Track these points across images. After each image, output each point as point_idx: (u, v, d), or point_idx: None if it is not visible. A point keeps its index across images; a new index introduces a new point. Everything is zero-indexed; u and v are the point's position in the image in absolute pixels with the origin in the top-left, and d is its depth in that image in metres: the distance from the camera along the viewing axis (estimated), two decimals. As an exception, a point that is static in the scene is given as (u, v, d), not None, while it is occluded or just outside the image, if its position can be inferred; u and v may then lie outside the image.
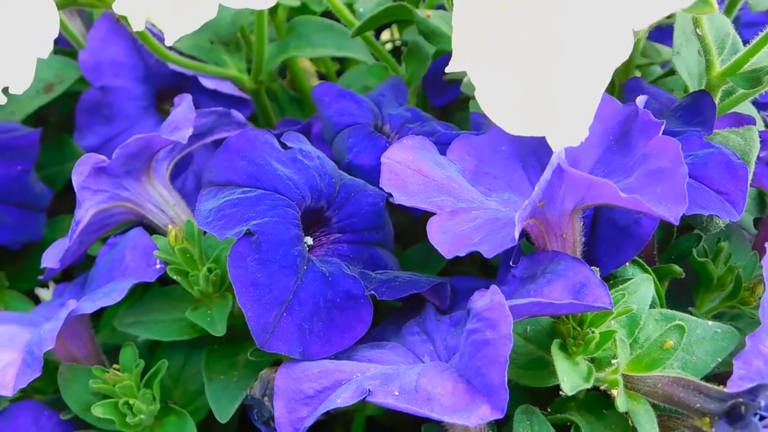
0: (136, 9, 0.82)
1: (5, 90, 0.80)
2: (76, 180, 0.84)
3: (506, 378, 0.59)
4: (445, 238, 0.68)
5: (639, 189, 0.67)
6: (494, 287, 0.63)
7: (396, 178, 0.74)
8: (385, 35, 1.37)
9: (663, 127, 0.69)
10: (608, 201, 0.66)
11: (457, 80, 1.09)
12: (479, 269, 1.08)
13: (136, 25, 0.83)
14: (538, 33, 0.59)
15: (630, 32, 0.56)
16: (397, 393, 0.62)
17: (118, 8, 0.83)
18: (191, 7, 0.78)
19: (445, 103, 1.19)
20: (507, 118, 0.60)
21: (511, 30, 0.60)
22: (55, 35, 0.80)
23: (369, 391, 0.63)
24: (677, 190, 0.65)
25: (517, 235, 0.63)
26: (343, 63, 1.27)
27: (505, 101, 0.60)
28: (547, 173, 0.63)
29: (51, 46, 0.80)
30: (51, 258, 0.87)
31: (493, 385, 0.59)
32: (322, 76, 1.26)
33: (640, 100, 0.72)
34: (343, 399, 0.64)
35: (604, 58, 0.57)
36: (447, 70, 0.62)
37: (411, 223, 1.02)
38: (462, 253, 0.66)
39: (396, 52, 1.26)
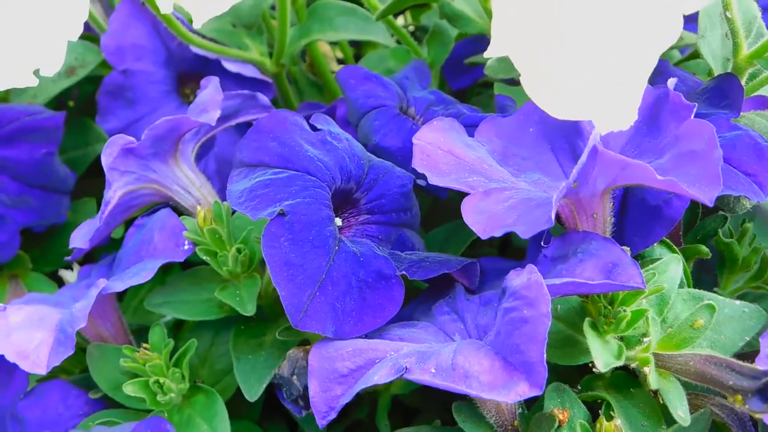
0: (164, -8, 0.82)
1: (36, 72, 0.81)
2: (105, 161, 0.84)
3: (545, 356, 0.60)
4: (480, 218, 0.69)
5: (671, 170, 0.68)
6: (531, 266, 0.64)
7: (428, 159, 0.74)
8: (399, 21, 1.37)
9: (695, 110, 0.70)
10: (642, 182, 0.67)
11: (476, 64, 1.10)
12: (498, 251, 1.09)
13: (164, 8, 0.83)
14: (583, 15, 0.59)
15: (679, 16, 0.57)
16: (433, 371, 0.63)
17: (145, -9, 0.83)
18: (220, -11, 0.79)
19: (463, 87, 1.20)
20: (553, 103, 0.61)
21: (557, 13, 0.60)
22: (85, 17, 0.80)
23: (406, 368, 0.64)
24: (712, 173, 0.66)
25: (553, 216, 0.64)
26: (360, 48, 1.27)
27: (550, 85, 0.60)
28: (584, 156, 0.63)
29: (81, 29, 0.80)
30: (80, 239, 0.88)
31: (531, 362, 0.60)
32: (340, 61, 1.27)
33: (671, 82, 0.73)
34: (380, 376, 0.64)
35: (652, 42, 0.57)
36: (485, 55, 0.62)
37: (434, 205, 1.03)
38: (497, 233, 0.67)
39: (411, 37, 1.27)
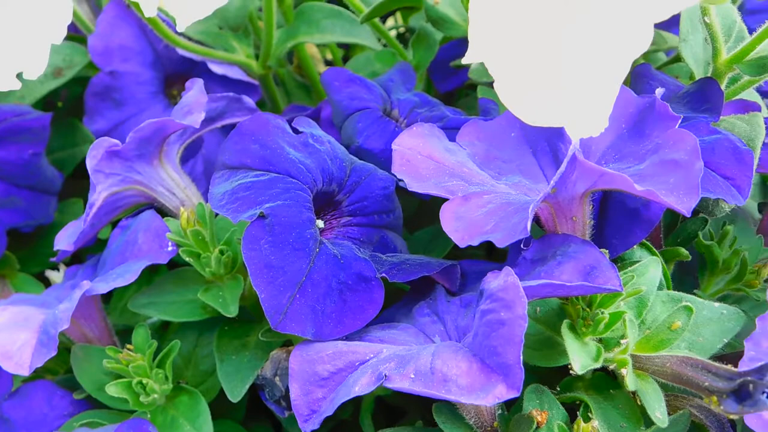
0: (149, -5, 0.82)
1: (19, 75, 0.81)
2: (90, 163, 0.85)
3: (521, 357, 0.60)
4: (458, 225, 0.69)
5: (651, 177, 0.69)
6: (508, 269, 0.64)
7: (408, 164, 0.75)
8: (389, 22, 1.38)
9: (680, 121, 0.70)
10: (621, 188, 0.67)
11: (462, 66, 1.10)
12: (484, 251, 1.09)
13: (149, 12, 0.83)
14: (557, 23, 0.59)
15: (650, 24, 0.57)
16: (413, 376, 0.63)
17: (131, -6, 0.84)
18: (204, -8, 0.79)
19: (450, 89, 1.20)
20: (525, 108, 0.61)
21: (530, 21, 0.60)
22: (69, 21, 0.80)
23: (385, 376, 0.64)
24: (691, 183, 0.66)
25: (529, 226, 0.65)
26: (349, 50, 1.28)
27: (524, 92, 0.61)
28: (564, 165, 0.64)
29: (65, 32, 0.81)
30: (64, 240, 0.88)
31: (508, 364, 0.60)
32: (328, 63, 1.27)
33: (659, 92, 0.73)
34: (360, 386, 0.65)
35: (624, 50, 0.58)
36: (463, 61, 0.63)
37: (418, 207, 1.03)
38: (475, 242, 0.68)
39: (400, 38, 1.27)
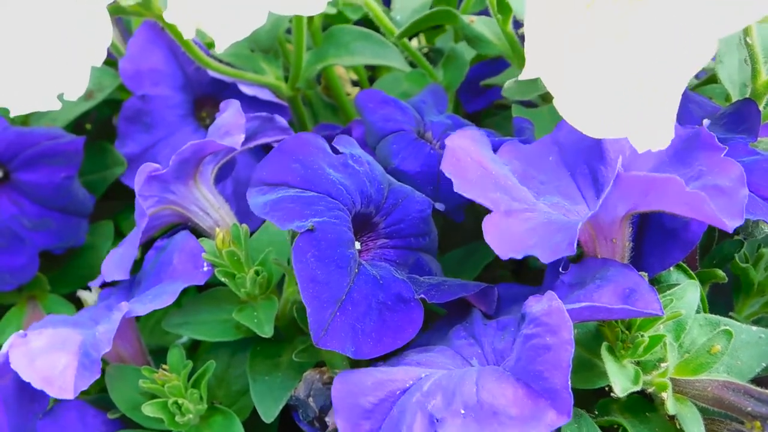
0: (187, 18, 0.83)
1: (59, 96, 0.82)
2: (136, 188, 0.85)
3: (569, 382, 0.60)
4: (501, 238, 0.69)
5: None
6: (551, 293, 0.65)
7: (458, 164, 0.75)
8: (413, 43, 1.39)
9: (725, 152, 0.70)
10: (666, 201, 0.66)
11: (492, 86, 1.11)
12: (512, 273, 1.09)
13: (187, 34, 0.84)
14: (619, 37, 0.60)
15: (714, 39, 0.57)
16: (463, 411, 0.63)
17: (168, 17, 0.84)
18: (241, 14, 0.80)
19: (478, 109, 1.21)
20: (588, 122, 0.61)
21: (591, 35, 0.61)
22: (109, 44, 0.81)
23: (437, 420, 0.63)
24: (736, 209, 0.66)
25: (575, 244, 0.65)
26: (375, 70, 1.28)
27: (585, 106, 0.61)
28: (610, 183, 0.64)
29: (104, 55, 0.82)
30: (116, 270, 0.88)
31: (556, 389, 0.60)
32: (354, 83, 1.28)
33: (706, 123, 0.74)
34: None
35: (686, 63, 0.58)
36: (520, 77, 0.63)
37: (445, 227, 1.04)
38: (518, 256, 0.68)
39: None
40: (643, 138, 0.62)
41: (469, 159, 0.76)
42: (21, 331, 0.84)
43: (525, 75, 0.63)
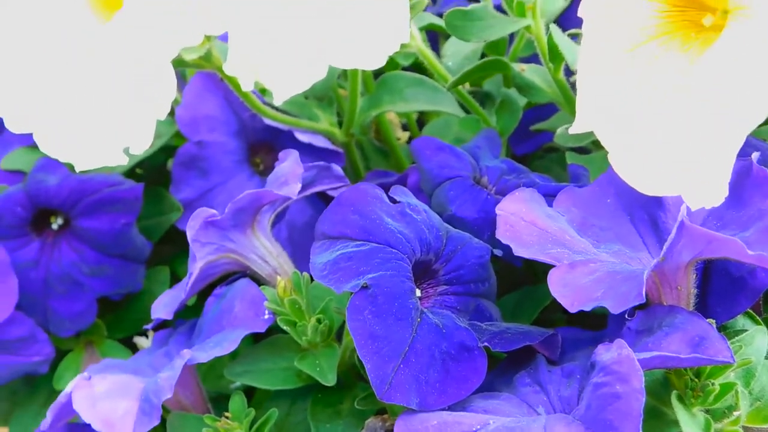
0: (247, 70, 0.85)
1: (125, 149, 0.84)
2: (190, 234, 0.86)
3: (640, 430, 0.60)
4: (567, 291, 0.69)
5: (756, 243, 0.68)
6: (621, 341, 0.65)
7: (512, 230, 0.76)
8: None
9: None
10: (731, 255, 0.67)
11: (541, 130, 1.11)
12: (567, 317, 1.09)
13: (246, 86, 0.86)
14: (672, 95, 0.60)
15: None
16: None
17: (228, 70, 0.86)
18: (301, 68, 0.81)
19: (527, 152, 1.21)
20: (641, 178, 0.62)
21: (645, 89, 0.61)
22: (173, 97, 0.83)
23: None
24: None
25: (644, 292, 0.65)
26: (424, 113, 1.29)
27: (639, 162, 0.61)
28: (674, 231, 0.64)
29: (168, 108, 0.83)
30: (162, 309, 0.90)
31: (627, 438, 0.60)
32: (404, 127, 1.29)
33: (755, 156, 0.74)
34: None
35: (741, 120, 0.58)
36: (571, 131, 0.63)
37: (504, 272, 1.04)
38: (586, 308, 0.68)
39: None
40: (696, 196, 0.62)
41: (522, 222, 0.76)
42: (85, 374, 0.86)
43: (575, 129, 0.63)
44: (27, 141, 1.05)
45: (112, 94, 0.82)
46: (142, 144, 0.82)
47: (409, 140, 1.21)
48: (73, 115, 0.84)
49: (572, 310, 0.68)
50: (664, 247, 0.65)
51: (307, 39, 0.81)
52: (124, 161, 0.81)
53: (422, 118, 1.28)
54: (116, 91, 0.82)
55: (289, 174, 0.87)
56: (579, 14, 0.71)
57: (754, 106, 0.58)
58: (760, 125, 0.99)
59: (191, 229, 0.86)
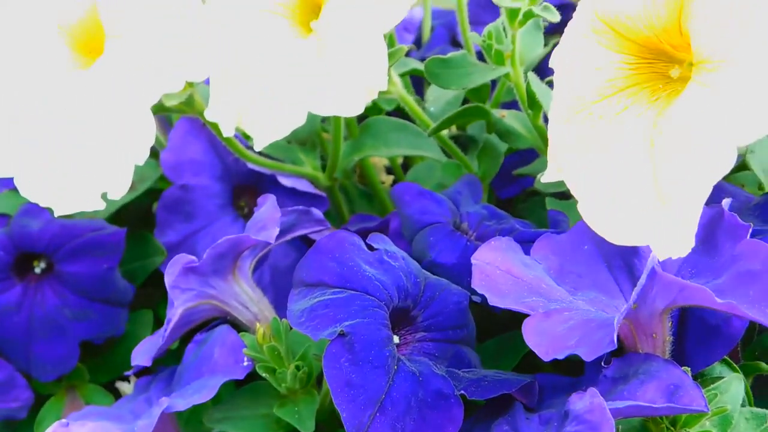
0: (228, 117, 0.86)
1: (103, 194, 0.84)
2: (168, 280, 0.87)
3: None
4: (542, 340, 0.69)
5: (729, 291, 0.69)
6: (593, 390, 0.65)
7: (487, 279, 0.76)
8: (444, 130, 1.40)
9: (750, 230, 0.71)
10: (702, 303, 0.68)
11: (523, 175, 1.12)
12: (551, 362, 1.08)
13: (227, 132, 0.87)
14: (639, 147, 0.61)
15: (734, 147, 0.58)
16: None
17: (209, 116, 0.87)
18: (282, 115, 0.82)
19: (510, 196, 1.22)
20: (610, 228, 0.62)
21: (610, 139, 0.62)
22: (152, 143, 0.84)
23: None
24: (769, 294, 0.66)
25: (615, 339, 0.65)
26: (408, 157, 1.30)
27: (607, 213, 0.62)
28: (643, 279, 0.64)
29: (147, 153, 0.84)
30: (141, 356, 0.90)
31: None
32: (388, 170, 1.29)
33: (725, 202, 0.74)
34: None
35: (707, 172, 0.59)
36: (542, 180, 0.64)
37: (484, 318, 1.03)
38: (560, 356, 0.68)
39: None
40: (663, 246, 0.63)
41: (498, 272, 0.76)
42: (64, 420, 0.85)
43: (547, 177, 0.64)
44: (12, 185, 1.06)
45: (91, 140, 0.82)
46: (120, 189, 0.82)
47: (393, 183, 1.21)
48: (52, 160, 0.84)
49: (546, 359, 0.69)
50: (633, 293, 0.66)
51: (287, 87, 0.82)
52: (102, 206, 0.82)
53: (407, 162, 1.28)
54: (94, 136, 0.82)
55: (267, 219, 0.87)
56: (550, 65, 0.73)
57: (720, 157, 0.59)
58: (737, 170, 1.01)
59: (170, 276, 0.86)
